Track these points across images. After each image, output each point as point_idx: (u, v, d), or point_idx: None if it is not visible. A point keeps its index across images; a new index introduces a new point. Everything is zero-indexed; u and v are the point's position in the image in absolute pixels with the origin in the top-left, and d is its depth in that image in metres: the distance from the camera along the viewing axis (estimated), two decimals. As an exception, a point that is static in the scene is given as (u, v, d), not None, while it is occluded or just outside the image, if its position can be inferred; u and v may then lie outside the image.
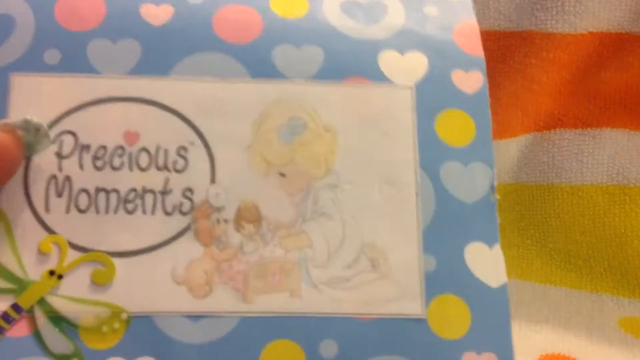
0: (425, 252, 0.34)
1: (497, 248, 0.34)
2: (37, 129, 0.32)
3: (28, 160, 0.33)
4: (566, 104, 0.55)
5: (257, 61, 0.35)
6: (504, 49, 0.54)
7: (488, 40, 0.53)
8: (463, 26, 0.38)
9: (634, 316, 0.49)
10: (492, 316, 0.33)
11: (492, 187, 0.35)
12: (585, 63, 0.52)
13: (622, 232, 0.52)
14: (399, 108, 0.35)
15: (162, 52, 0.35)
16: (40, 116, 0.33)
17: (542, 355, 0.43)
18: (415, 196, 0.34)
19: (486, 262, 0.34)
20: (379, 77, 0.36)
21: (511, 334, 0.33)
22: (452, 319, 0.33)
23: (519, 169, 0.57)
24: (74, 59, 0.35)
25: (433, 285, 0.33)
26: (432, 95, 0.36)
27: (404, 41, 0.37)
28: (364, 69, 0.36)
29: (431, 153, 0.35)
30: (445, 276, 0.33)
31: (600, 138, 0.53)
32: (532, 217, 0.57)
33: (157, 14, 0.36)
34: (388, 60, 0.36)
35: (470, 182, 0.35)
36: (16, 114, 0.34)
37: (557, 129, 0.55)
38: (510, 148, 0.57)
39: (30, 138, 0.32)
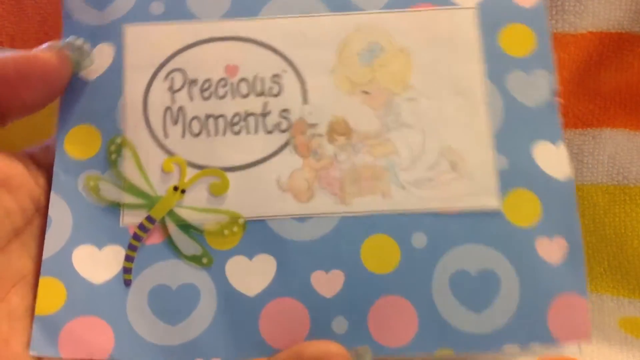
0: (498, 153, 0.37)
1: (562, 145, 0.37)
2: (79, 47, 0.37)
3: (146, 94, 0.38)
4: (566, 104, 0.53)
5: None
6: (504, 49, 0.54)
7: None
8: None
9: (634, 316, 0.49)
10: (560, 206, 0.36)
11: (552, 91, 0.38)
12: (585, 63, 0.51)
13: (622, 232, 0.51)
14: (464, 27, 0.38)
15: None
16: (151, 58, 0.38)
17: (542, 355, 0.42)
18: (484, 104, 0.37)
19: (552, 158, 0.37)
20: (444, 1, 0.39)
21: (579, 221, 0.36)
22: (525, 209, 0.36)
23: (520, 168, 0.58)
24: (176, 8, 0.39)
25: (506, 181, 0.36)
26: (493, 13, 0.39)
27: None
28: None
29: (496, 65, 0.38)
30: (517, 173, 0.36)
31: (600, 138, 0.52)
32: (532, 217, 0.56)
33: None
34: None
35: (534, 88, 0.37)
36: (130, 59, 0.38)
37: (557, 129, 0.55)
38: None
39: (75, 56, 0.37)
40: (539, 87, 0.38)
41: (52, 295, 0.35)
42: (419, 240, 0.36)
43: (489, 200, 0.36)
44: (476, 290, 0.35)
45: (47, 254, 0.35)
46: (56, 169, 0.37)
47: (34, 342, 0.34)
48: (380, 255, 0.35)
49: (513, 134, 0.37)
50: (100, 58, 0.38)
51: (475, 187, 0.36)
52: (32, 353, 0.34)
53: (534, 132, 0.37)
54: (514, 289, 0.35)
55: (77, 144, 0.37)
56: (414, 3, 0.39)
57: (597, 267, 0.52)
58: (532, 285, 0.35)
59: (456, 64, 0.38)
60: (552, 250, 0.36)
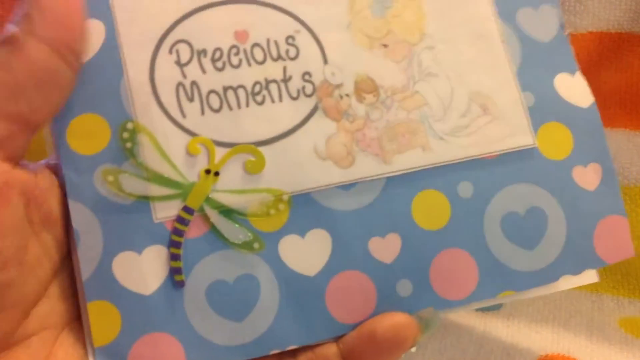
0: (523, 90, 0.36)
1: (578, 74, 0.38)
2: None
3: (152, 72, 0.33)
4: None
5: None
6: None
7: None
8: None
9: (634, 316, 0.50)
10: (589, 133, 0.37)
11: (561, 25, 0.38)
12: (585, 63, 0.52)
13: (622, 232, 0.53)
14: None
15: None
16: (149, 32, 0.34)
17: (542, 355, 0.44)
18: (502, 44, 0.37)
19: (573, 88, 0.37)
20: None
21: (607, 145, 0.37)
22: (557, 142, 0.36)
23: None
24: None
25: (536, 117, 0.36)
26: None
27: None
28: None
29: (505, 3, 0.38)
30: (544, 107, 0.36)
31: (600, 138, 0.54)
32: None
33: None
34: None
35: (543, 23, 0.38)
36: (125, 35, 0.33)
37: (557, 129, 0.57)
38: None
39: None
40: (547, 22, 0.38)
41: (105, 320, 0.31)
42: (465, 189, 0.35)
43: (525, 139, 0.36)
44: (526, 228, 0.35)
45: (85, 274, 0.31)
46: (66, 171, 0.32)
47: None
48: (431, 211, 0.35)
49: (533, 70, 0.37)
50: (90, 37, 0.33)
51: (510, 128, 0.36)
52: None
53: (552, 65, 0.38)
54: (561, 221, 0.35)
55: (83, 137, 0.32)
56: None
57: (597, 267, 0.54)
58: (576, 215, 0.36)
59: (466, 6, 0.37)
60: (588, 177, 0.36)
